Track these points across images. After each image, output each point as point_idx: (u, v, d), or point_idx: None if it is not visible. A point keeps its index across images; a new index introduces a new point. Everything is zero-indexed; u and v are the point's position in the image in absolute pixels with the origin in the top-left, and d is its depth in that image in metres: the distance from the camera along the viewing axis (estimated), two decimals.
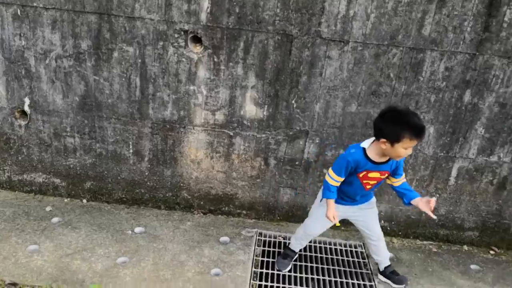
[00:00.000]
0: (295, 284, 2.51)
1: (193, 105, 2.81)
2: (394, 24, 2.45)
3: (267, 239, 2.93)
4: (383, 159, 2.11)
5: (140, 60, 2.71)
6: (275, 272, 2.59)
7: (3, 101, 2.92)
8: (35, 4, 2.64)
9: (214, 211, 3.15)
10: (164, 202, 3.14)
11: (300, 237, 2.59)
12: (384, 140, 1.98)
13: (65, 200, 3.16)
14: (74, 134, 2.96)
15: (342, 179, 2.17)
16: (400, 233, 3.06)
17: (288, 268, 2.61)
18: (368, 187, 2.24)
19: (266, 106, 2.76)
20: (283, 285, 2.48)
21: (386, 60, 2.54)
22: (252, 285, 2.45)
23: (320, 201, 2.36)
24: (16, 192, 3.20)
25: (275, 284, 2.48)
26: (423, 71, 2.54)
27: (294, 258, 2.68)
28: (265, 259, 2.71)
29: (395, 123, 1.94)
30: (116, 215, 3.02)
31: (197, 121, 2.85)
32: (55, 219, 2.88)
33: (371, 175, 2.16)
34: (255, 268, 2.62)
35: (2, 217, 2.85)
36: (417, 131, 1.92)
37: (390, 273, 2.55)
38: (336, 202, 2.26)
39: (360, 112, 2.71)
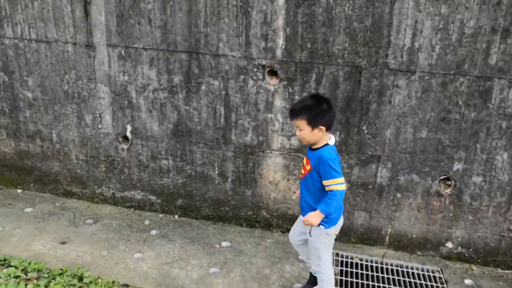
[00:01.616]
0: None
1: (271, 131, 3.34)
2: (460, 54, 2.74)
3: (344, 259, 3.30)
4: (315, 146, 2.42)
5: (224, 92, 3.31)
6: None
7: (109, 128, 3.72)
8: (136, 46, 3.38)
9: None
10: (245, 220, 3.69)
11: None
12: None
13: (160, 215, 3.86)
14: (168, 156, 3.65)
15: None
16: (479, 260, 3.24)
17: None
18: (302, 172, 2.51)
19: (338, 132, 3.18)
20: None
21: (454, 88, 2.83)
22: None
23: None
24: (119, 207, 3.98)
25: None
26: (492, 98, 2.78)
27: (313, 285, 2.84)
28: (345, 278, 3.08)
29: None
30: (204, 230, 3.63)
31: (274, 145, 3.37)
32: (153, 232, 3.57)
33: (304, 160, 2.49)
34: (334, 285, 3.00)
35: (110, 228, 3.61)
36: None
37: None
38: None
39: (431, 138, 3.01)
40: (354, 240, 3.49)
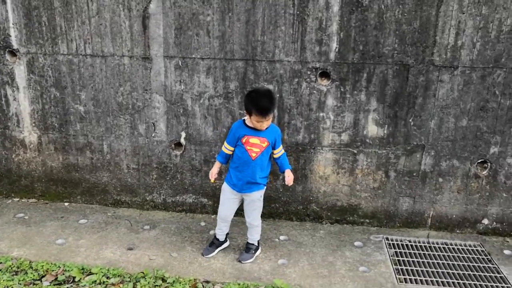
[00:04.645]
0: (434, 276, 3.08)
1: (322, 129, 3.55)
2: (498, 50, 3.09)
3: (395, 242, 3.51)
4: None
5: (278, 95, 3.51)
6: (415, 268, 3.14)
7: (163, 135, 3.82)
8: (193, 56, 3.53)
9: (340, 221, 3.80)
10: (295, 215, 3.85)
11: (218, 224, 3.32)
12: (245, 112, 2.90)
13: (212, 216, 3.95)
14: None
15: (232, 148, 3.05)
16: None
17: (211, 255, 3.29)
18: (253, 154, 2.96)
19: (386, 125, 3.44)
20: (425, 278, 3.04)
21: (492, 80, 3.16)
22: (399, 279, 3.04)
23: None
24: (170, 212, 4.04)
25: (418, 278, 3.04)
26: None
27: (219, 246, 3.35)
28: (401, 258, 3.28)
29: (249, 101, 2.83)
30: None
31: (325, 142, 3.58)
32: (212, 232, 3.65)
33: (252, 140, 2.94)
34: (394, 265, 3.19)
35: (170, 232, 3.66)
36: (260, 111, 2.77)
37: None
38: (229, 183, 3.14)
39: (470, 126, 3.32)
40: (399, 224, 3.72)
